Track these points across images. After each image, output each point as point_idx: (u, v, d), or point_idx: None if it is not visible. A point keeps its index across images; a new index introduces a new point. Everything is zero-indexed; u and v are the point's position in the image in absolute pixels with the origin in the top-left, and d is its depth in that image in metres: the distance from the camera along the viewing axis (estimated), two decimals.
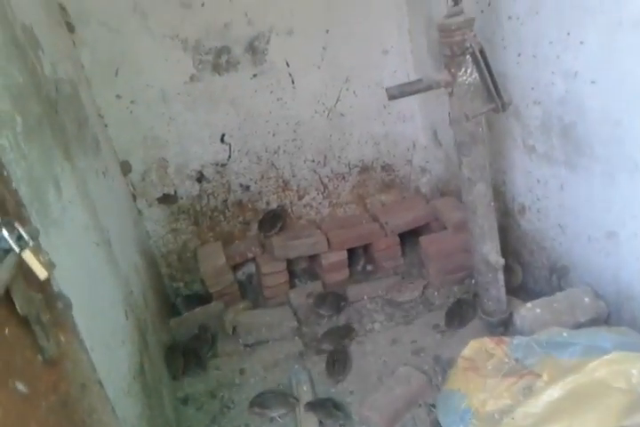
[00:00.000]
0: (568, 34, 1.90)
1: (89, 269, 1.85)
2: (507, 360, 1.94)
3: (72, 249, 1.70)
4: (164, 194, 3.03)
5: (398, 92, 1.91)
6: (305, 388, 2.49)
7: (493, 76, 1.83)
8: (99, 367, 1.36)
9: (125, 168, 2.89)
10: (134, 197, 2.97)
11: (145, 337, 2.34)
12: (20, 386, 0.90)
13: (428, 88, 1.93)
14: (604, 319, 2.11)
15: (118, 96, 2.78)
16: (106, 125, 2.77)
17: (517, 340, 1.93)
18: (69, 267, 1.59)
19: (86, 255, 1.88)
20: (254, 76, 2.95)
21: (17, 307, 0.91)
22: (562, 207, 2.28)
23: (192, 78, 2.88)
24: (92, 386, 1.17)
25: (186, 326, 2.88)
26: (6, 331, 0.89)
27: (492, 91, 1.80)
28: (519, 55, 2.20)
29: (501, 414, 1.80)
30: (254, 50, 2.91)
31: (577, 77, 1.94)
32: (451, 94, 1.94)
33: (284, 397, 2.44)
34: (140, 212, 3.00)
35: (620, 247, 2.02)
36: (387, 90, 1.93)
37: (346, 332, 2.76)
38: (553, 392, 1.72)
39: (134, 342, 2.16)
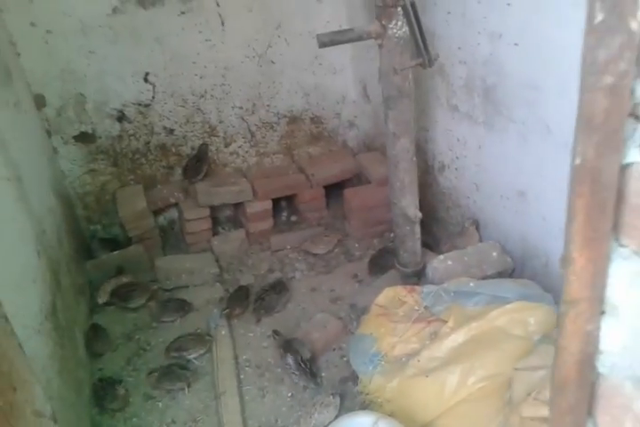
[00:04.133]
0: None
1: None
2: (417, 308, 2.05)
3: None
4: (81, 132, 2.88)
5: (329, 40, 1.88)
6: (223, 332, 2.53)
7: (422, 31, 1.84)
8: (5, 304, 1.32)
9: (39, 102, 2.72)
10: (49, 134, 2.81)
11: (58, 278, 2.28)
12: None
13: (359, 38, 1.91)
14: (509, 274, 2.25)
15: (33, 24, 2.58)
16: (18, 54, 2.57)
17: (427, 288, 2.03)
18: None
19: None
20: (182, 13, 2.81)
21: None
22: (478, 166, 2.38)
23: (115, 10, 2.70)
24: None
25: (103, 268, 2.82)
26: None
27: (420, 45, 1.81)
28: (449, 13, 2.21)
29: (408, 357, 1.92)
30: None
31: (501, 39, 1.98)
32: (380, 46, 1.94)
33: (200, 338, 2.47)
34: (55, 149, 2.85)
35: (529, 207, 2.14)
36: (318, 36, 1.90)
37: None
38: (457, 337, 1.84)
39: (46, 281, 2.10)
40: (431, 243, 2.73)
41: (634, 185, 0.49)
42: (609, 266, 0.51)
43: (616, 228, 0.51)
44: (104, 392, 2.24)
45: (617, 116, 0.44)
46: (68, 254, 2.58)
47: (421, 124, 2.62)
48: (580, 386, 0.57)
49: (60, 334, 2.09)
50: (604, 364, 0.56)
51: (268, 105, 3.16)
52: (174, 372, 2.28)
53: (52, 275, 2.21)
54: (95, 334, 2.50)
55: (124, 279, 2.77)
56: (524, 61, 1.90)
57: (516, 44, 1.91)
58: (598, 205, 0.47)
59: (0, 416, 1.12)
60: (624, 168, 0.49)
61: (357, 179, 3.21)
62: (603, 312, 0.54)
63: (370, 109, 3.19)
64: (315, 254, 2.98)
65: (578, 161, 0.45)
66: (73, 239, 2.75)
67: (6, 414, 1.14)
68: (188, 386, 2.27)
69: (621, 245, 0.51)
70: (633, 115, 0.46)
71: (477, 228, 2.46)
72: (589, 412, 0.61)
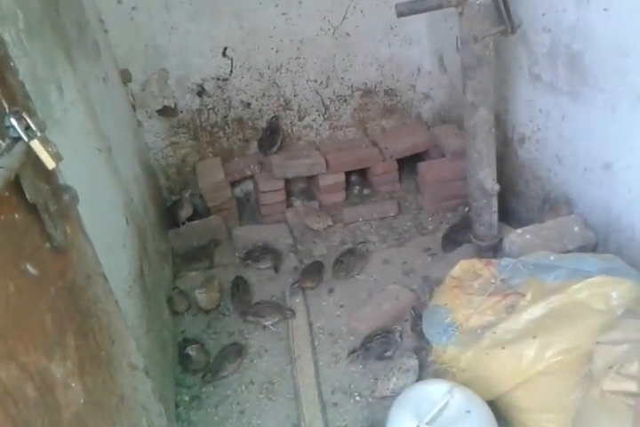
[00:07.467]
0: None
1: (90, 173, 1.88)
2: (493, 281, 2.03)
3: (74, 151, 1.70)
4: (164, 106, 3.00)
5: (407, 10, 1.86)
6: (298, 300, 2.60)
7: None
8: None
9: (125, 76, 2.85)
10: (134, 108, 2.94)
11: (145, 244, 2.41)
12: (31, 268, 0.95)
13: (439, 6, 1.87)
14: (592, 248, 2.18)
15: (119, 1, 2.68)
16: (106, 31, 2.70)
17: (505, 261, 2.00)
18: (71, 167, 1.60)
19: (88, 159, 1.89)
20: None
21: (26, 195, 0.94)
22: (561, 138, 2.29)
23: None
24: (96, 278, 1.23)
25: (184, 237, 2.96)
26: (16, 216, 0.93)
27: (503, 12, 1.75)
28: None
29: (484, 329, 1.91)
30: None
31: (590, 4, 1.89)
32: (461, 14, 1.90)
33: (277, 306, 2.55)
34: (139, 123, 2.98)
35: (614, 179, 2.05)
36: (396, 6, 1.88)
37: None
38: (535, 311, 1.81)
39: (135, 247, 2.23)
40: (509, 217, 2.68)
41: None
42: None
43: None
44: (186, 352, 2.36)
45: None
46: (153, 222, 2.72)
47: (501, 94, 2.54)
48: None
49: (147, 296, 2.22)
50: None
51: (342, 78, 3.16)
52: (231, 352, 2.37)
53: (140, 241, 2.34)
54: (178, 296, 2.63)
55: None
56: (613, 27, 1.81)
57: (605, 10, 1.82)
58: None
59: (102, 366, 1.22)
60: None
61: (432, 152, 3.17)
62: None
63: (446, 81, 3.13)
64: (386, 227, 2.99)
65: None
66: (156, 208, 2.89)
67: (107, 364, 1.25)
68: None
69: None
70: None
71: (558, 202, 2.39)
72: None
